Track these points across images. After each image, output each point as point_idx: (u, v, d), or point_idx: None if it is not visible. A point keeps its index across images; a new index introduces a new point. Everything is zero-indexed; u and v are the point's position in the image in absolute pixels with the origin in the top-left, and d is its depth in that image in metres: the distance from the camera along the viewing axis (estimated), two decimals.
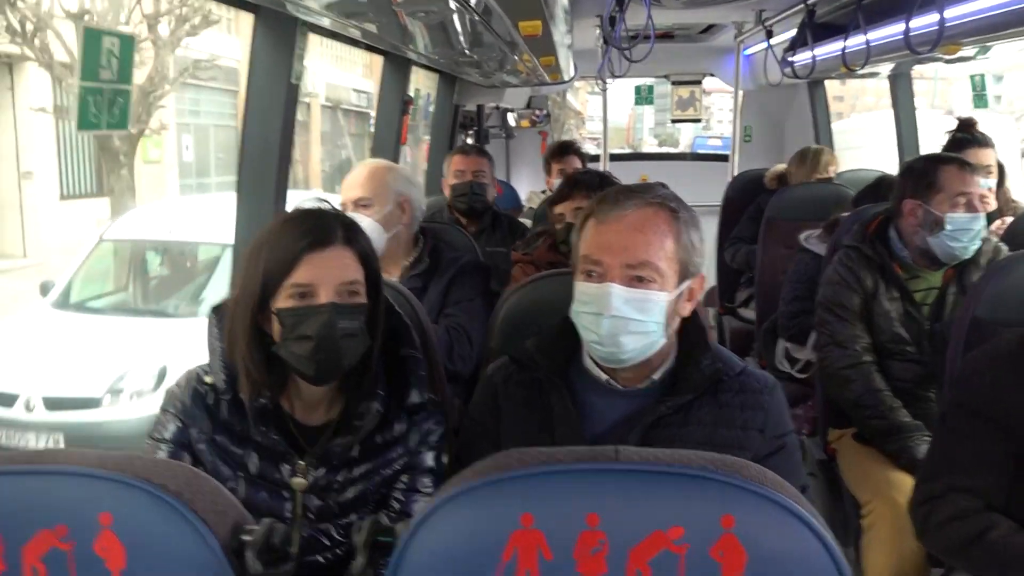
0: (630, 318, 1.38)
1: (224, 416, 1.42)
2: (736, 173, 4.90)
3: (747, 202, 4.40)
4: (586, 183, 2.48)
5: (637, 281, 1.38)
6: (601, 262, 1.40)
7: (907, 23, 2.28)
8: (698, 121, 6.19)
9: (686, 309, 1.46)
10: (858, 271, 2.46)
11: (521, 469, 0.77)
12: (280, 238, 1.39)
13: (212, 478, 0.88)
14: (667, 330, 1.42)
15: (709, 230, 4.57)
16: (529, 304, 1.81)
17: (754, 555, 0.73)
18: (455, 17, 2.10)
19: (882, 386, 2.40)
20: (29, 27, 9.07)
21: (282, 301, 1.37)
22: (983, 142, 2.97)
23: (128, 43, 1.48)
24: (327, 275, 1.37)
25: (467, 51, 2.92)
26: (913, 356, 2.42)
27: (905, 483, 2.21)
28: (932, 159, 2.47)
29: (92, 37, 1.39)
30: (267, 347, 1.39)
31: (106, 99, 1.44)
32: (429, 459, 1.50)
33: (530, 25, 2.13)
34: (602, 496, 0.75)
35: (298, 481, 1.41)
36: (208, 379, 1.44)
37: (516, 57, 3.14)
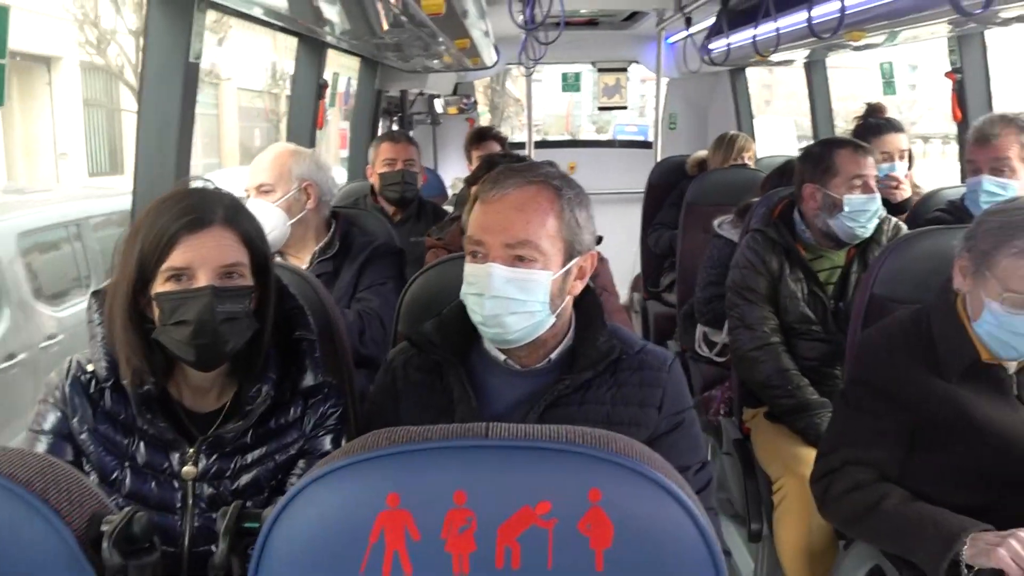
0: (511, 298, 1.37)
1: (107, 405, 1.37)
2: (659, 159, 4.95)
3: (670, 188, 4.45)
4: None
5: (518, 260, 1.37)
6: (483, 242, 1.39)
7: (809, 11, 2.33)
8: (624, 108, 6.25)
9: (576, 288, 1.46)
10: (764, 254, 2.51)
11: (389, 447, 0.75)
12: (156, 219, 1.33)
13: (69, 466, 0.84)
14: (554, 309, 1.41)
15: (634, 216, 4.65)
16: (435, 288, 1.79)
17: (621, 527, 0.73)
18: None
19: (790, 365, 2.46)
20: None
21: (160, 285, 1.32)
22: (896, 128, 3.06)
23: (3, 14, 1.41)
24: (205, 257, 1.32)
25: (381, 34, 2.87)
26: (819, 335, 2.48)
27: (812, 459, 2.27)
28: (828, 143, 2.54)
29: None
30: (148, 332, 1.34)
31: None
32: (327, 443, 1.47)
33: (432, 3, 2.09)
34: (470, 473, 0.74)
35: (188, 470, 1.37)
36: (89, 367, 1.38)
37: (431, 40, 3.10)
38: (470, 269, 1.41)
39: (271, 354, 1.43)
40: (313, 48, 3.28)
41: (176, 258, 1.31)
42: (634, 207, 4.75)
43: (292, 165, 2.28)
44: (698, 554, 0.75)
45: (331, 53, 3.54)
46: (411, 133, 5.46)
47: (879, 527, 1.65)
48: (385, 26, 2.72)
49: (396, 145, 3.18)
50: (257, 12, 2.33)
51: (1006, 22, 2.54)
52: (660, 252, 4.30)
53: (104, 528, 0.79)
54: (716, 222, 3.14)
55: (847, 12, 2.16)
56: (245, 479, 1.40)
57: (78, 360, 1.40)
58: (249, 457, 1.41)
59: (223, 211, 1.36)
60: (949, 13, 2.20)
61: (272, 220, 2.21)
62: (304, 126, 3.32)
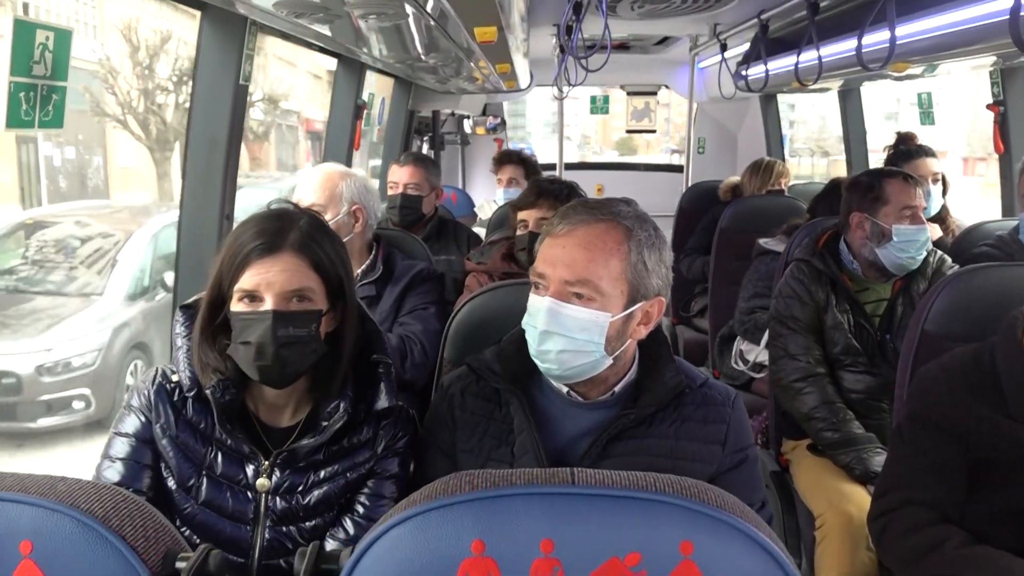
0: (564, 335, 1.36)
1: (189, 414, 1.41)
2: (690, 184, 4.93)
3: (700, 212, 4.44)
4: (553, 193, 2.45)
5: (576, 298, 1.36)
6: (544, 275, 1.38)
7: (859, 39, 2.31)
8: (653, 132, 6.24)
9: (640, 332, 1.42)
10: (809, 284, 2.48)
11: (472, 493, 0.73)
12: (235, 240, 1.39)
13: (143, 500, 0.83)
14: (611, 351, 1.39)
15: None
16: (483, 314, 1.78)
17: None
18: (411, 21, 2.06)
19: (835, 398, 2.43)
20: None
21: (234, 304, 1.37)
22: (927, 153, 3.08)
23: (64, 37, 1.42)
24: (271, 281, 1.35)
25: (423, 56, 2.89)
26: (865, 367, 2.44)
27: (858, 495, 2.23)
28: (878, 173, 2.52)
29: (23, 30, 1.32)
30: (224, 341, 1.39)
31: (39, 95, 1.37)
32: (394, 465, 1.49)
33: (486, 31, 2.10)
34: (557, 521, 0.72)
35: (262, 482, 1.40)
36: (174, 377, 1.43)
37: (472, 63, 3.11)
38: (532, 301, 1.41)
39: (348, 374, 1.45)
40: (352, 68, 3.30)
41: (246, 280, 1.35)
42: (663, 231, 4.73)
43: (343, 187, 2.29)
44: None
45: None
46: (441, 153, 5.49)
47: (940, 570, 1.61)
48: (423, 49, 2.74)
49: (400, 168, 3.17)
50: (306, 35, 2.35)
51: None
52: (693, 278, 4.28)
53: (180, 565, 0.78)
54: (761, 241, 3.13)
55: (898, 42, 2.14)
56: (316, 495, 1.43)
57: (163, 369, 1.45)
58: (322, 473, 1.44)
59: (297, 236, 1.38)
60: (1003, 46, 2.18)
61: None
62: (341, 146, 3.33)
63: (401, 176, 3.12)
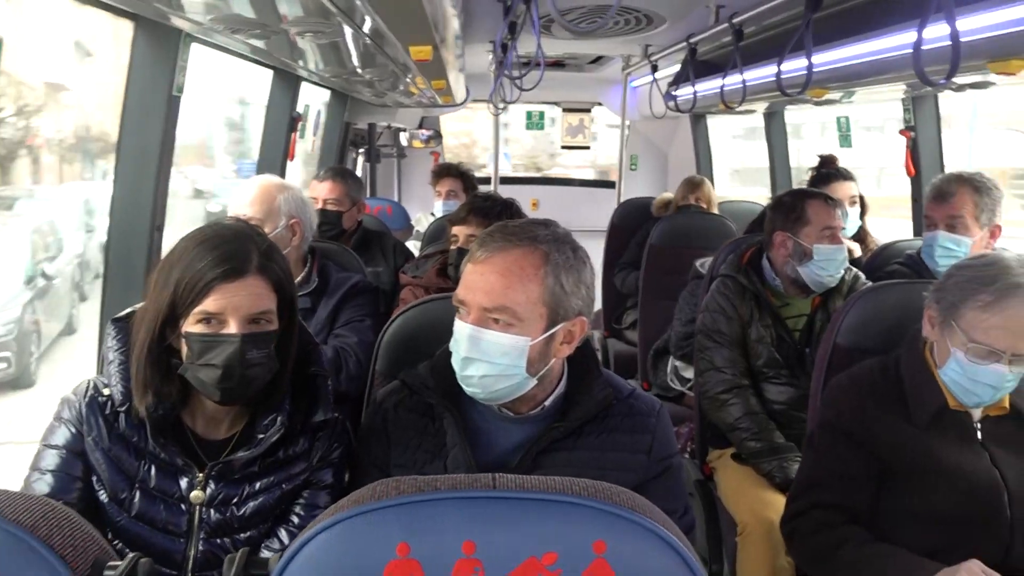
0: (486, 360, 1.39)
1: (121, 428, 1.40)
2: (622, 200, 5.04)
3: (632, 228, 4.54)
4: (484, 211, 2.47)
5: (495, 323, 1.39)
6: (465, 302, 1.41)
7: (779, 66, 2.43)
8: (587, 148, 6.36)
9: (563, 351, 1.45)
10: (734, 299, 2.58)
11: (398, 497, 0.76)
12: (193, 262, 1.36)
13: (71, 510, 0.84)
14: (534, 373, 1.42)
15: (595, 254, 4.72)
16: (416, 327, 1.80)
17: None
18: (347, 39, 2.08)
19: (758, 409, 2.52)
20: None
21: (190, 324, 1.36)
22: (845, 176, 3.22)
23: None
24: (238, 305, 1.36)
25: (359, 70, 2.90)
26: (786, 379, 2.55)
27: (778, 502, 2.31)
28: (800, 194, 2.63)
29: None
30: (171, 362, 1.38)
31: None
32: (329, 476, 1.51)
33: (421, 50, 2.14)
34: (478, 523, 0.76)
35: (196, 495, 1.40)
36: (106, 390, 1.42)
37: (408, 79, 3.14)
38: (456, 326, 1.43)
39: (286, 387, 1.47)
40: (287, 81, 3.29)
41: (210, 304, 1.35)
42: (595, 245, 4.82)
43: (281, 201, 2.28)
44: None
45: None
46: (377, 166, 5.49)
47: (841, 568, 1.70)
48: (359, 63, 2.75)
49: (319, 183, 3.15)
50: (242, 49, 2.35)
51: (960, 88, 2.67)
52: (627, 291, 4.37)
53: (108, 574, 0.79)
54: (698, 262, 3.22)
55: (814, 70, 2.26)
56: (251, 506, 1.43)
57: (95, 382, 1.43)
58: (257, 485, 1.44)
59: (258, 259, 1.39)
60: (909, 76, 2.31)
61: None
62: (276, 158, 3.31)
63: (320, 191, 3.10)
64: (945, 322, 1.68)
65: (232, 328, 1.35)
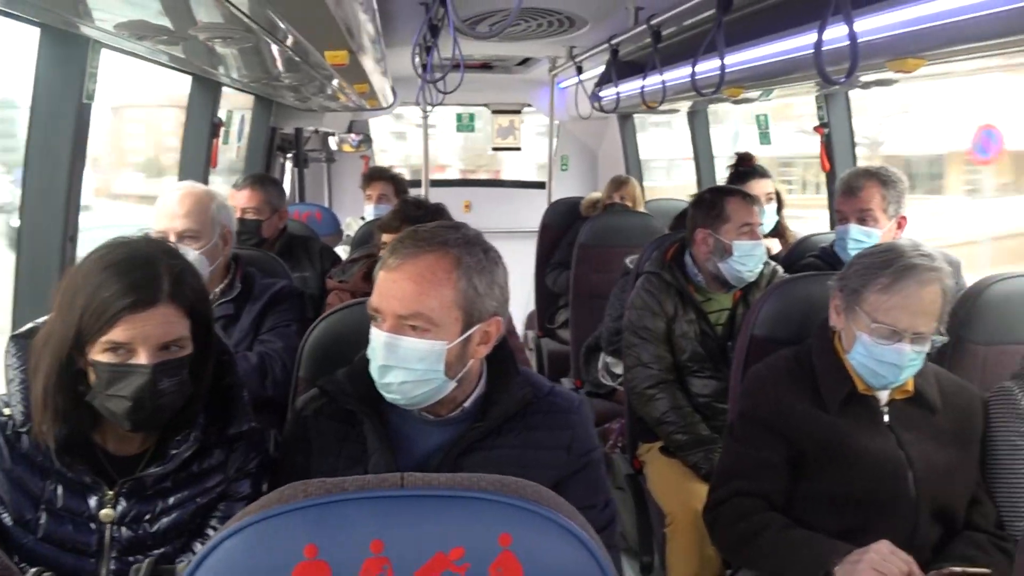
0: (401, 367, 1.39)
1: (24, 448, 1.36)
2: (552, 200, 5.09)
3: (563, 227, 4.60)
4: (415, 219, 2.44)
5: (411, 329, 1.39)
6: (380, 309, 1.41)
7: (694, 67, 2.49)
8: (518, 149, 6.39)
9: (480, 352, 1.46)
10: (659, 296, 2.64)
11: (305, 500, 0.77)
12: (99, 289, 1.31)
13: None
14: (452, 375, 1.43)
15: (527, 254, 4.77)
16: (340, 332, 1.79)
17: (531, 571, 0.77)
18: (261, 46, 2.06)
19: (683, 403, 2.59)
20: None
21: (97, 353, 1.31)
22: (762, 174, 3.32)
23: None
24: (148, 335, 1.31)
25: (281, 76, 2.87)
26: (710, 373, 2.62)
27: (705, 492, 2.37)
28: (719, 191, 2.71)
29: None
30: (77, 385, 1.34)
31: None
32: (246, 487, 1.49)
33: (336, 55, 2.13)
34: (386, 522, 0.77)
35: (106, 513, 1.37)
36: (7, 410, 1.36)
37: (332, 83, 3.12)
38: (372, 333, 1.43)
39: (200, 404, 1.44)
40: (207, 87, 3.24)
41: (117, 334, 1.30)
42: (527, 245, 4.87)
43: (215, 211, 2.24)
44: None
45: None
46: (305, 171, 5.42)
47: (760, 553, 1.76)
48: (282, 69, 2.73)
49: (238, 192, 3.11)
50: (158, 56, 2.30)
51: (866, 85, 2.78)
52: (559, 291, 4.41)
53: None
54: (628, 259, 3.27)
55: (727, 70, 2.33)
56: (165, 522, 1.40)
57: None
58: (171, 500, 1.41)
59: (169, 285, 1.34)
60: (815, 75, 2.40)
61: (202, 271, 2.19)
62: (198, 165, 3.25)
63: (239, 200, 3.05)
64: (850, 308, 1.77)
65: (142, 359, 1.31)
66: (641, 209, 4.33)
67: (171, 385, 1.33)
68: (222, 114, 3.49)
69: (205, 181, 3.33)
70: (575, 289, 3.91)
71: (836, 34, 1.80)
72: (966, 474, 1.79)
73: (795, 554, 1.69)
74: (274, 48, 2.15)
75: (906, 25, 1.89)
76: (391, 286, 1.40)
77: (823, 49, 1.77)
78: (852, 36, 1.74)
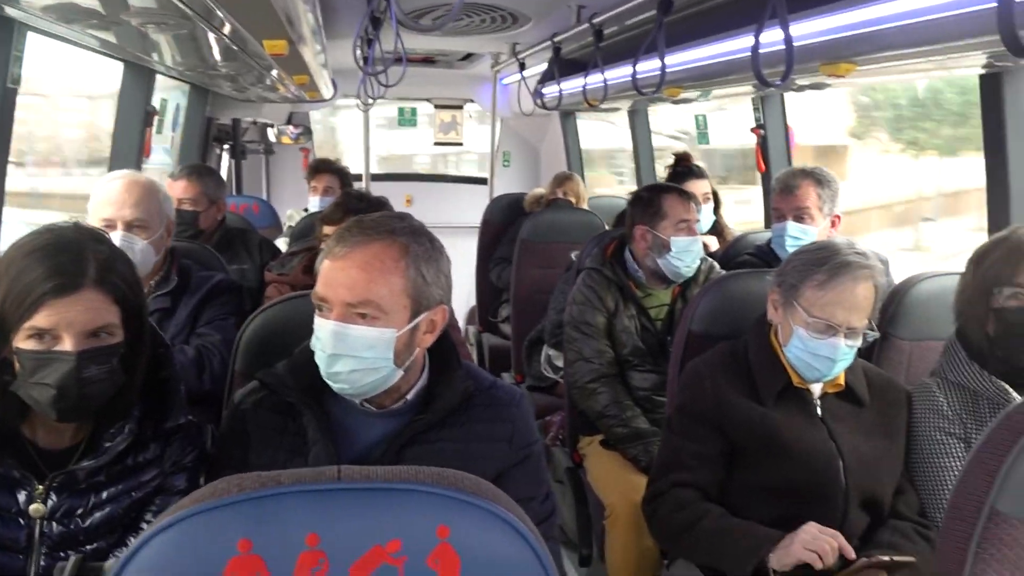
0: (354, 355, 1.39)
1: None
2: (494, 196, 5.10)
3: (505, 223, 4.61)
4: (358, 212, 2.43)
5: (360, 318, 1.39)
6: (327, 299, 1.40)
7: (634, 66, 2.52)
8: (460, 144, 6.37)
9: (427, 341, 1.47)
10: (600, 291, 2.67)
11: (239, 494, 0.76)
12: (21, 275, 1.27)
13: None
14: (400, 364, 1.43)
15: (469, 249, 4.77)
16: (277, 325, 1.77)
17: (468, 562, 0.77)
18: (197, 33, 2.01)
19: (624, 396, 2.62)
20: None
21: (21, 340, 1.28)
22: (698, 174, 3.38)
23: None
24: (72, 321, 1.28)
25: (218, 65, 2.81)
26: (650, 367, 2.66)
27: (644, 485, 2.41)
28: (657, 189, 2.76)
29: None
30: (2, 375, 1.30)
31: None
32: (182, 481, 1.46)
33: (275, 44, 2.09)
34: (322, 516, 0.76)
35: (36, 508, 1.33)
36: None
37: (271, 74, 3.06)
38: (317, 323, 1.42)
39: (134, 396, 1.40)
40: (139, 74, 3.14)
41: (41, 319, 1.26)
42: (470, 240, 4.87)
43: (162, 201, 2.22)
44: None
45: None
46: (243, 163, 5.32)
47: (697, 543, 1.81)
48: (219, 57, 2.67)
49: (174, 183, 3.05)
50: (89, 41, 2.22)
51: (800, 88, 2.85)
52: (503, 286, 4.43)
53: None
54: (573, 254, 3.30)
55: (667, 71, 2.36)
56: (99, 517, 1.37)
57: None
58: (104, 494, 1.38)
59: (95, 271, 1.31)
60: (751, 78, 2.45)
61: (148, 261, 2.17)
62: (130, 155, 3.16)
63: (176, 191, 2.98)
64: (787, 303, 1.82)
65: (67, 345, 1.28)
66: (584, 206, 4.36)
67: (99, 373, 1.30)
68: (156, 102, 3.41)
69: (138, 169, 3.24)
70: (516, 285, 3.92)
71: (773, 38, 1.85)
72: (892, 465, 1.86)
73: (730, 543, 1.74)
74: (211, 36, 2.10)
75: (839, 31, 1.95)
76: (339, 274, 1.39)
77: (760, 52, 1.81)
78: (788, 40, 1.79)
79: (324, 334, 1.39)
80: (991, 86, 2.27)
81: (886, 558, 1.61)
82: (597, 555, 2.57)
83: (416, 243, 1.43)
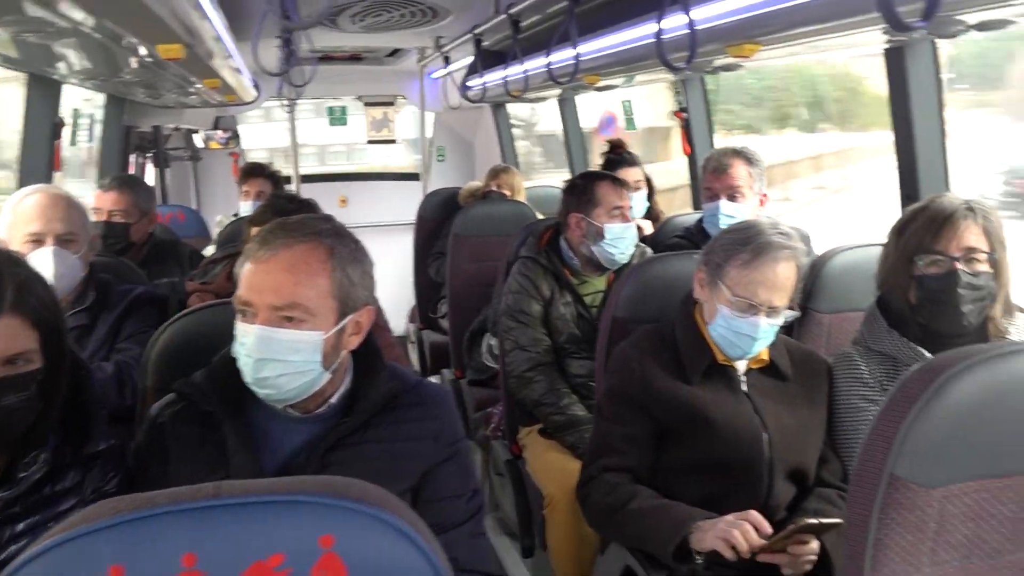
0: (281, 360, 1.36)
1: None
2: (429, 191, 5.06)
3: (441, 218, 4.57)
4: (288, 213, 2.40)
5: (287, 321, 1.37)
6: (251, 303, 1.38)
7: (548, 56, 2.52)
8: (393, 142, 6.31)
9: (353, 343, 1.45)
10: (536, 279, 2.68)
11: (113, 518, 0.73)
12: None
13: None
14: (328, 366, 1.42)
15: (406, 246, 4.72)
16: (192, 336, 1.72)
17: (356, 570, 0.76)
18: (89, 42, 1.94)
19: (561, 384, 2.63)
20: None
21: None
22: (631, 162, 3.40)
23: None
24: None
25: (125, 73, 2.72)
26: (586, 354, 2.67)
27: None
28: (590, 176, 2.77)
29: None
30: None
31: None
32: None
33: (170, 48, 2.03)
34: (199, 535, 0.74)
35: None
36: None
37: (181, 79, 2.98)
38: (240, 328, 1.39)
39: (52, 422, 1.34)
40: (45, 85, 3.03)
41: None
42: (406, 238, 4.83)
43: (85, 216, 2.18)
44: None
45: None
46: (167, 171, 5.19)
47: (624, 525, 1.82)
48: (133, 65, 2.59)
49: (104, 194, 2.98)
50: None
51: (715, 70, 2.89)
52: (442, 280, 4.39)
53: None
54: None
55: (581, 59, 2.36)
56: (14, 550, 1.29)
57: None
58: (19, 527, 1.31)
59: (12, 295, 1.24)
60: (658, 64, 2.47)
61: (78, 276, 2.13)
62: (40, 170, 3.05)
63: (104, 202, 2.91)
64: (713, 282, 1.84)
65: None
66: (521, 198, 4.34)
67: (16, 402, 1.24)
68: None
69: (49, 183, 3.13)
70: (452, 279, 3.90)
71: (678, 23, 1.86)
72: (815, 435, 1.89)
73: (655, 522, 1.75)
74: (91, 42, 2.02)
75: (741, 12, 1.96)
76: (264, 278, 1.37)
77: (664, 38, 1.82)
78: (691, 24, 1.80)
79: (249, 339, 1.37)
80: (895, 60, 2.32)
81: (814, 521, 1.64)
82: (540, 545, 2.58)
83: (341, 244, 1.41)
